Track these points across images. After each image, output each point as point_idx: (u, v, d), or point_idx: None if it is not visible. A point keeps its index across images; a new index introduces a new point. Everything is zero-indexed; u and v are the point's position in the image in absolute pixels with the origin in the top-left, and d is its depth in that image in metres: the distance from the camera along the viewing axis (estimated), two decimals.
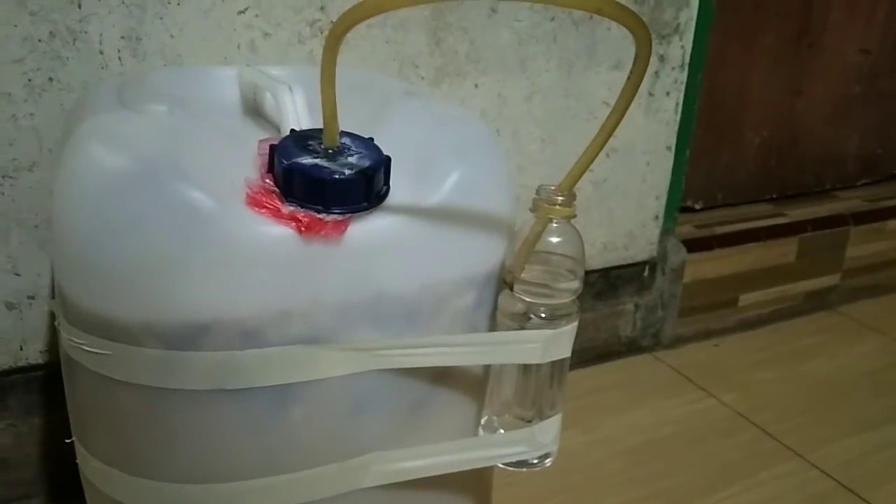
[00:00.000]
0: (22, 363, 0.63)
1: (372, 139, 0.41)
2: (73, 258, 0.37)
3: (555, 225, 0.44)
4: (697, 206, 1.07)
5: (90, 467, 0.44)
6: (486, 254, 0.45)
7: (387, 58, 0.68)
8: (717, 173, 1.08)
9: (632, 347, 0.97)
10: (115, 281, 0.36)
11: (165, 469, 0.41)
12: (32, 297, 0.61)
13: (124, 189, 0.36)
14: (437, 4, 0.65)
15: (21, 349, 0.63)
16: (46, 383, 0.64)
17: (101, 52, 0.57)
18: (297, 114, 0.43)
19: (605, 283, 0.91)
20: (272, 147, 0.39)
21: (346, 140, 0.40)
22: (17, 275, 0.60)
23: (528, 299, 0.45)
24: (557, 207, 0.43)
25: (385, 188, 0.40)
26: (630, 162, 0.86)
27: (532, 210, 0.44)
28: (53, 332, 0.63)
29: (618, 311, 0.94)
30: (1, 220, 0.58)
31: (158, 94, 0.44)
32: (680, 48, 0.84)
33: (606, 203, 0.87)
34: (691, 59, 0.85)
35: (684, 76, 0.86)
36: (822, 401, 0.89)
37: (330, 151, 0.39)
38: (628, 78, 0.36)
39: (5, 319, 0.61)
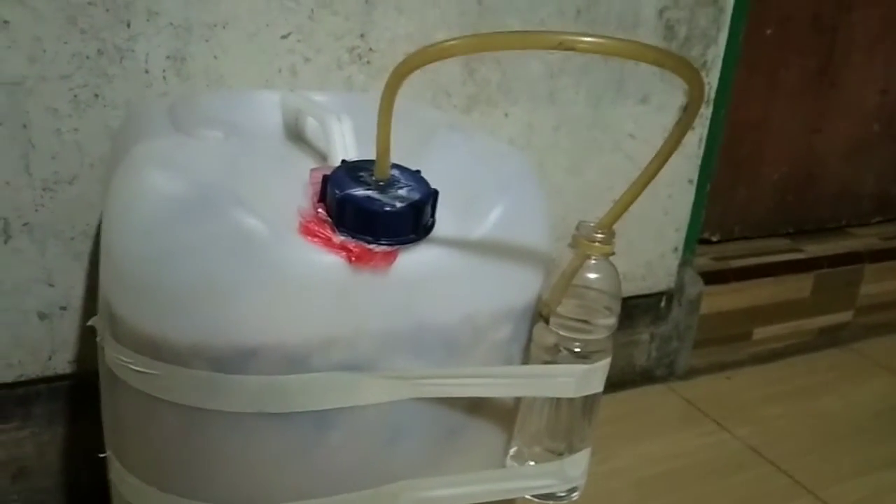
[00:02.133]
0: (49, 373, 0.64)
1: (419, 172, 0.42)
2: (128, 280, 0.38)
3: (593, 261, 0.45)
4: (714, 239, 1.08)
5: (125, 483, 0.44)
6: (524, 287, 0.46)
7: (421, 86, 0.69)
8: (735, 207, 1.09)
9: (646, 377, 0.97)
10: (169, 304, 0.37)
11: (203, 489, 0.41)
12: (64, 308, 0.62)
13: (182, 215, 0.37)
14: None
15: (50, 359, 0.63)
16: (72, 394, 0.65)
17: (147, 71, 0.58)
18: (346, 144, 0.44)
19: (622, 313, 0.91)
20: (325, 177, 0.40)
21: (395, 172, 0.41)
22: (51, 286, 0.61)
23: (563, 333, 0.46)
24: (597, 245, 0.44)
25: (432, 220, 0.41)
26: (652, 194, 0.87)
27: (571, 245, 0.45)
28: (83, 344, 0.64)
29: (633, 341, 0.94)
30: (38, 232, 0.59)
31: (210, 119, 0.45)
32: (706, 84, 0.85)
33: (627, 233, 0.87)
34: (716, 95, 0.86)
35: (709, 112, 0.87)
36: (833, 438, 0.90)
37: (381, 183, 0.40)
38: (678, 123, 0.37)
39: (37, 329, 0.62)
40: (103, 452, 0.48)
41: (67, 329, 0.63)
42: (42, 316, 0.62)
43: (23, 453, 0.65)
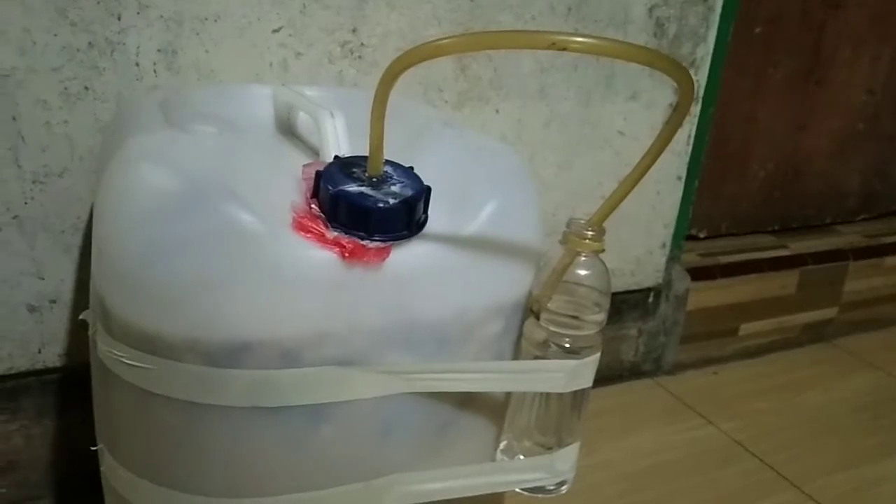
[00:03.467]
0: (39, 366, 0.64)
1: (412, 168, 0.43)
2: (121, 275, 0.38)
3: (583, 258, 0.45)
4: (701, 235, 1.09)
5: (117, 476, 0.44)
6: (514, 283, 0.46)
7: (413, 82, 0.69)
8: (722, 203, 1.10)
9: (633, 372, 0.98)
10: (162, 298, 0.37)
11: (196, 482, 0.41)
12: (54, 301, 0.62)
13: (176, 210, 0.37)
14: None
15: (39, 352, 0.63)
16: (61, 387, 0.65)
17: (137, 64, 0.58)
18: (339, 139, 0.44)
19: (610, 307, 0.92)
20: (318, 173, 0.40)
21: (388, 168, 0.42)
22: (41, 279, 0.61)
23: (553, 329, 0.46)
24: (587, 241, 0.44)
25: (424, 217, 0.41)
26: (641, 191, 0.87)
27: (562, 242, 0.45)
28: (72, 337, 0.64)
29: (621, 336, 0.95)
30: (28, 224, 0.59)
31: (204, 114, 0.45)
32: (694, 82, 0.86)
33: (617, 229, 0.88)
34: (705, 93, 0.87)
35: (697, 109, 0.87)
36: (818, 433, 0.91)
37: (374, 180, 0.40)
38: (667, 122, 0.38)
39: (26, 322, 0.62)
40: (94, 445, 0.48)
41: (57, 322, 0.63)
42: (32, 309, 0.61)
43: (12, 446, 0.64)
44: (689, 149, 0.89)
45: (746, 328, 1.06)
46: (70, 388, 0.65)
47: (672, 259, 0.95)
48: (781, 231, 1.17)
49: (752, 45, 1.01)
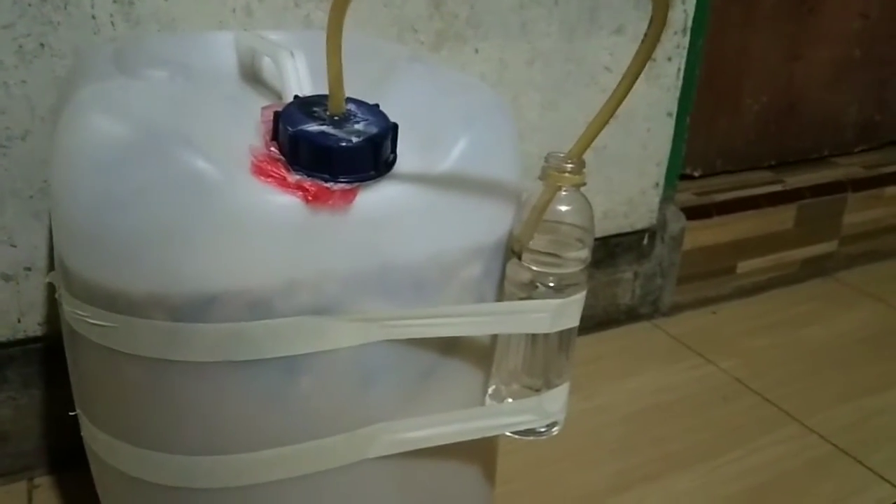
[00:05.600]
0: (20, 335, 0.62)
1: (377, 105, 0.41)
2: (76, 230, 0.37)
3: (564, 193, 0.43)
4: (696, 174, 1.07)
5: (96, 440, 0.43)
6: (493, 223, 0.44)
7: (386, 22, 0.66)
8: (716, 140, 1.07)
9: (630, 315, 0.97)
10: (120, 252, 0.36)
11: (172, 441, 0.40)
12: (29, 269, 0.60)
13: (128, 158, 0.35)
14: None
15: (19, 321, 0.62)
16: (46, 355, 0.64)
17: (94, 17, 0.56)
18: (300, 80, 0.42)
19: (604, 251, 0.91)
20: (276, 114, 0.38)
21: (351, 107, 0.39)
22: (14, 246, 0.59)
23: (536, 268, 0.44)
24: (567, 175, 0.43)
25: (392, 156, 0.40)
26: (630, 129, 0.85)
27: (540, 178, 0.43)
28: (52, 304, 0.62)
29: (616, 280, 0.94)
30: None
31: (157, 60, 0.43)
32: (682, 12, 0.83)
33: (606, 170, 0.86)
34: (693, 24, 0.84)
35: (686, 41, 0.84)
36: (819, 367, 0.90)
37: (336, 118, 0.38)
38: (643, 41, 0.35)
39: (2, 291, 0.60)
40: (74, 412, 0.47)
41: (34, 290, 0.61)
42: (7, 278, 0.60)
43: (1, 418, 0.64)
44: (680, 83, 0.86)
45: (744, 266, 1.04)
46: (54, 356, 0.64)
47: (666, 199, 0.93)
48: (778, 166, 1.15)
49: None
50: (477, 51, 0.72)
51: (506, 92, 0.75)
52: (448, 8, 0.68)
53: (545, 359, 0.46)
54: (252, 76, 0.51)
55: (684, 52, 0.85)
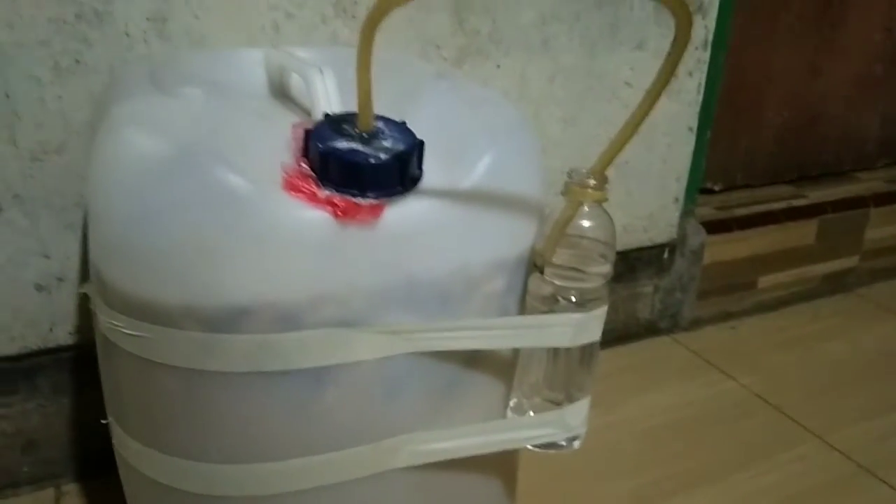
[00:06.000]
0: (51, 344, 0.64)
1: (405, 123, 0.41)
2: (113, 242, 0.38)
3: (586, 209, 0.44)
4: (716, 188, 1.07)
5: (127, 448, 0.45)
6: (516, 237, 0.45)
7: (410, 38, 0.68)
8: (737, 154, 1.07)
9: (650, 330, 0.97)
10: (156, 265, 0.37)
11: (202, 449, 0.41)
12: (61, 279, 0.62)
13: (164, 174, 0.36)
14: None
15: (51, 330, 0.63)
16: (75, 364, 0.65)
17: (127, 34, 0.57)
18: (329, 97, 0.43)
19: (624, 266, 0.91)
20: (307, 131, 0.39)
21: (379, 124, 0.40)
22: (47, 257, 0.61)
23: (558, 283, 0.45)
24: (589, 191, 0.43)
25: (418, 172, 0.40)
26: (651, 143, 0.86)
27: (563, 193, 0.44)
28: (82, 314, 0.64)
29: (636, 294, 0.94)
30: (30, 203, 0.59)
31: (192, 78, 0.44)
32: (703, 28, 0.83)
33: (627, 184, 0.86)
34: (714, 39, 0.84)
35: (707, 56, 0.85)
36: (840, 383, 0.90)
37: (365, 136, 0.39)
38: (666, 60, 0.36)
39: (35, 301, 0.62)
40: (106, 420, 0.48)
41: (66, 300, 0.63)
42: (40, 288, 0.62)
43: (30, 425, 0.65)
44: (700, 98, 0.87)
45: (765, 281, 1.04)
46: (84, 365, 0.65)
47: (686, 213, 0.94)
48: (799, 180, 1.14)
49: None
50: (499, 66, 0.73)
51: (527, 107, 0.76)
52: (471, 24, 0.70)
53: (567, 372, 0.47)
54: (281, 92, 0.52)
55: (705, 67, 0.85)
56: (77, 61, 0.56)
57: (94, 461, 0.68)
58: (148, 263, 0.37)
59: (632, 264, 0.92)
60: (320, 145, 0.38)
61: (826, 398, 0.86)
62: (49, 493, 0.67)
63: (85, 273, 0.63)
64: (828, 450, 0.77)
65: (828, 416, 0.82)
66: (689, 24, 0.33)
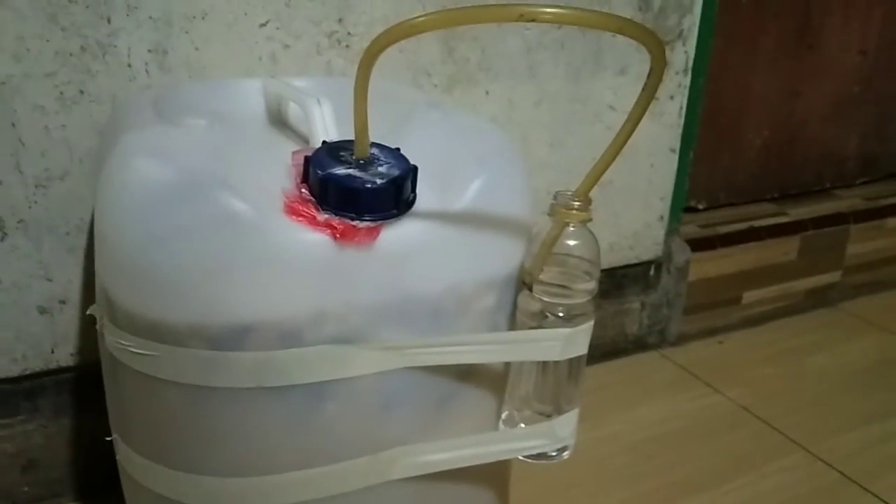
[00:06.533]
0: (53, 366, 0.65)
1: (398, 149, 0.44)
2: (122, 266, 0.40)
3: (571, 228, 0.46)
4: (700, 207, 1.09)
5: (132, 463, 0.46)
6: (506, 256, 0.47)
7: (401, 66, 0.70)
8: (720, 174, 1.10)
9: (638, 345, 0.99)
10: (163, 286, 0.39)
11: (207, 463, 0.43)
12: (63, 302, 0.64)
13: (171, 200, 0.38)
14: None
15: (52, 352, 0.65)
16: (76, 385, 0.67)
17: (130, 66, 0.60)
18: (326, 125, 0.45)
19: (611, 283, 0.93)
20: (307, 158, 0.41)
21: (375, 151, 0.43)
22: (49, 280, 0.62)
23: (546, 299, 0.47)
24: (574, 212, 0.45)
25: (412, 195, 0.43)
26: (635, 164, 0.88)
27: (549, 214, 0.46)
28: (84, 336, 0.65)
29: (624, 310, 0.96)
30: (33, 228, 0.61)
31: (194, 108, 0.46)
32: (683, 53, 0.86)
33: (612, 204, 0.89)
34: (694, 64, 0.88)
35: (687, 80, 0.88)
36: (825, 395, 0.92)
37: (361, 162, 0.41)
38: (643, 90, 0.39)
39: (37, 323, 0.63)
40: (110, 437, 0.49)
41: (68, 322, 0.64)
42: (42, 310, 0.63)
43: (31, 445, 0.66)
44: (682, 120, 0.90)
45: (749, 296, 1.07)
46: (84, 386, 0.67)
47: (671, 231, 0.96)
48: (781, 198, 1.17)
49: (741, 12, 1.01)
50: (487, 93, 0.75)
51: (515, 131, 0.78)
52: (460, 53, 0.72)
53: (556, 385, 0.49)
54: (279, 121, 0.54)
55: (686, 91, 0.88)
56: (81, 91, 0.59)
57: (94, 481, 0.69)
58: (156, 285, 0.39)
59: (619, 281, 0.94)
60: (320, 171, 0.40)
61: (811, 410, 0.88)
62: None
63: (86, 296, 0.64)
64: (813, 460, 0.79)
65: (813, 428, 0.84)
66: (663, 54, 0.36)
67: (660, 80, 0.38)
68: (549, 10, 0.32)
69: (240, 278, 0.39)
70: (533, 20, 0.31)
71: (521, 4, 0.31)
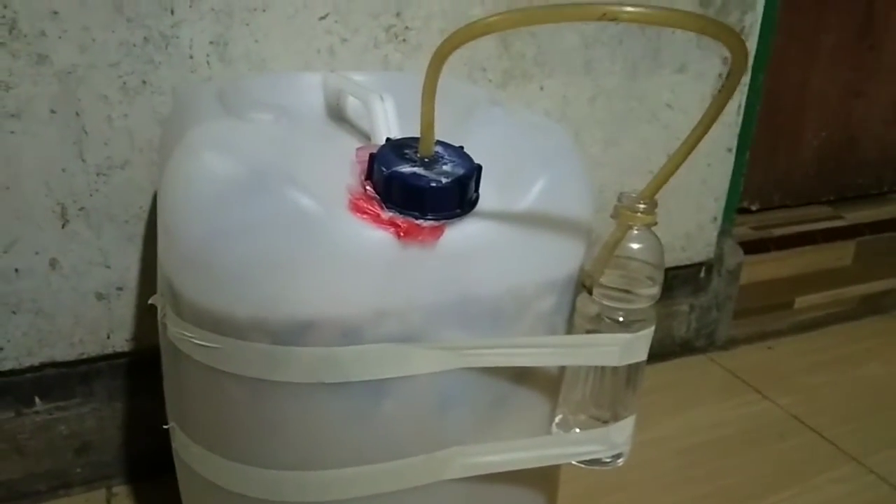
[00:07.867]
0: (108, 351, 0.67)
1: (462, 148, 0.43)
2: (187, 258, 0.40)
3: (635, 231, 0.45)
4: (754, 208, 1.07)
5: (189, 451, 0.47)
6: (567, 258, 0.46)
7: (457, 62, 0.70)
8: (775, 175, 1.07)
9: (686, 348, 0.98)
10: (228, 279, 0.39)
11: (264, 455, 0.43)
12: (121, 289, 0.65)
13: (238, 195, 0.38)
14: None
15: (108, 337, 0.66)
16: (130, 370, 0.68)
17: (191, 57, 0.60)
18: (389, 122, 0.45)
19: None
20: (371, 156, 0.41)
21: (439, 149, 0.42)
22: (108, 267, 0.63)
23: (606, 303, 0.46)
24: (639, 215, 0.44)
25: (476, 195, 0.42)
26: (691, 164, 0.86)
27: (613, 216, 0.45)
28: (139, 322, 0.66)
29: (673, 312, 0.95)
30: (94, 216, 0.62)
31: (259, 102, 0.46)
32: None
33: (666, 204, 0.86)
34: (755, 62, 0.85)
35: (747, 78, 0.86)
36: (877, 405, 0.89)
37: (426, 160, 0.41)
38: (720, 90, 0.38)
39: (95, 309, 0.64)
40: (165, 424, 0.50)
41: (124, 308, 0.65)
42: (100, 296, 0.64)
43: (85, 428, 0.68)
44: (740, 119, 0.88)
45: (802, 301, 1.04)
46: (138, 372, 0.68)
47: (724, 233, 0.94)
48: (837, 201, 1.14)
49: (803, 10, 0.98)
50: (542, 88, 0.74)
51: (568, 127, 0.77)
52: (516, 49, 0.71)
53: (613, 391, 0.48)
54: (337, 115, 0.54)
55: (745, 90, 0.86)
56: (143, 82, 0.59)
57: (145, 464, 0.71)
58: (220, 279, 0.39)
59: (669, 282, 0.92)
60: (384, 169, 0.40)
61: (863, 420, 0.86)
62: (100, 493, 0.70)
63: (143, 283, 0.65)
64: (865, 472, 0.77)
65: (865, 439, 0.82)
66: (745, 56, 0.35)
67: (738, 81, 0.36)
68: (631, 9, 0.31)
69: (303, 274, 0.39)
70: (615, 20, 0.30)
71: (603, 3, 0.31)
